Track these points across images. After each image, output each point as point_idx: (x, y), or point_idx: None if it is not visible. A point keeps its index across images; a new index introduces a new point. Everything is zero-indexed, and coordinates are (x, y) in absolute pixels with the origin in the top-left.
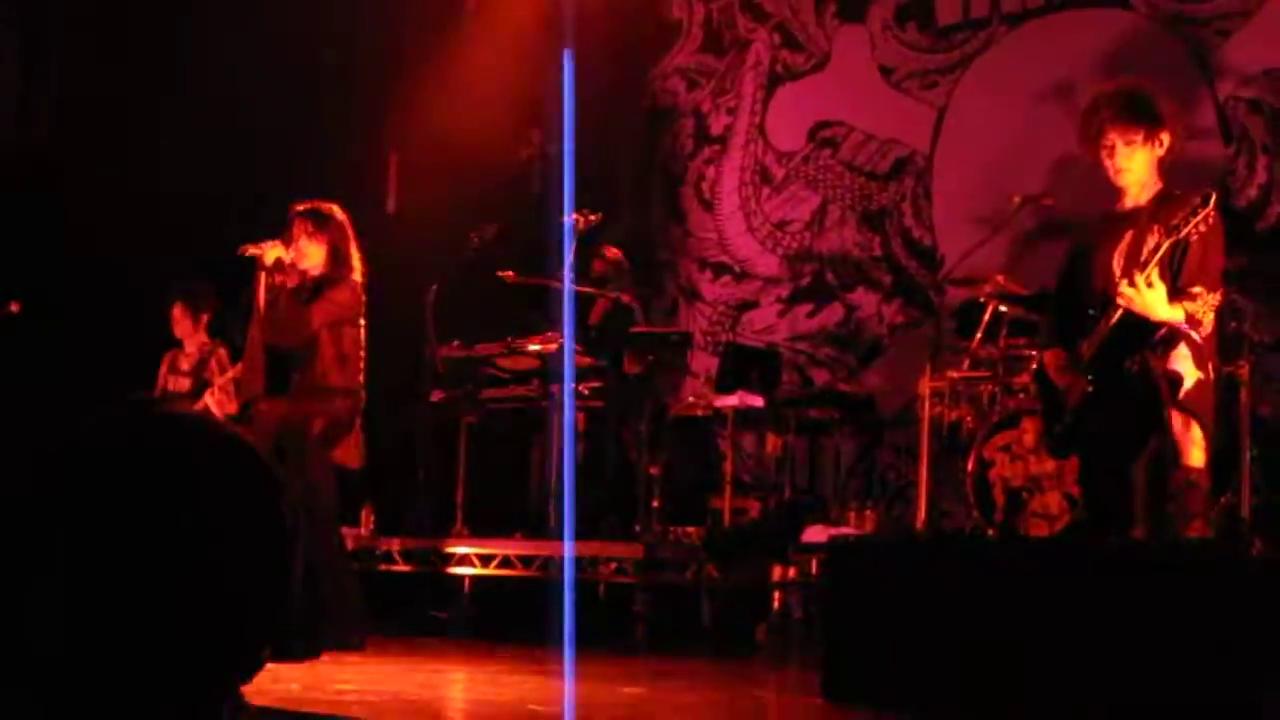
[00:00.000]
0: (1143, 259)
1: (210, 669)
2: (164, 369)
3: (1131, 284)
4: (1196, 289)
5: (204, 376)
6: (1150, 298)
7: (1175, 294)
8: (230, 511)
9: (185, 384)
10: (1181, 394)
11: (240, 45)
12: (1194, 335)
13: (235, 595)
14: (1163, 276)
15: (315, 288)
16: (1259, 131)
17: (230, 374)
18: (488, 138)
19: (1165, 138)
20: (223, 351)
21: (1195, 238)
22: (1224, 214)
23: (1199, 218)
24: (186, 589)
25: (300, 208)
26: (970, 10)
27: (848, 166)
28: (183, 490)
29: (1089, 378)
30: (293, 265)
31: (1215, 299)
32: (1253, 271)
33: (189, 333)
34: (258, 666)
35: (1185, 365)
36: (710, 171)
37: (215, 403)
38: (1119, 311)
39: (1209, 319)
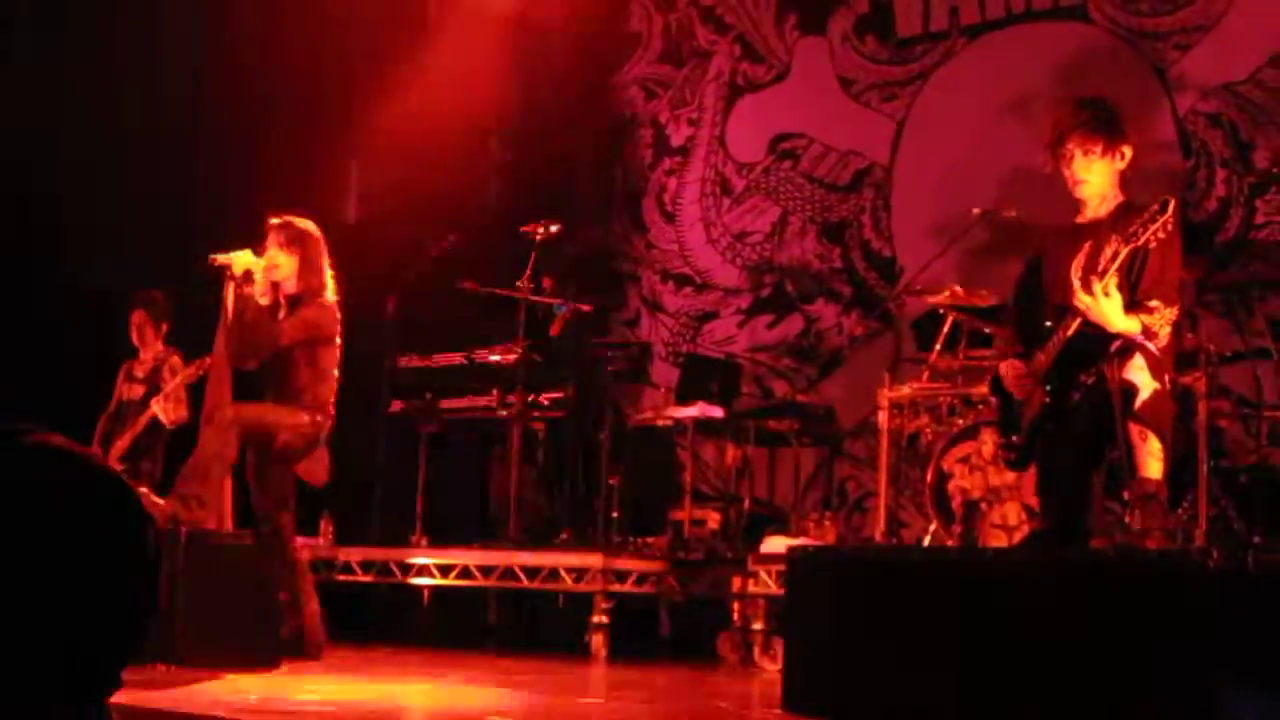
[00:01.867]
0: (1100, 268)
1: (61, 689)
2: (121, 378)
3: (1089, 292)
4: (1154, 302)
5: (156, 384)
6: (1106, 307)
7: (1132, 306)
8: (84, 539)
9: (139, 391)
10: (1137, 405)
11: (200, 53)
12: (1150, 347)
13: (89, 619)
14: (1121, 287)
15: (290, 305)
16: (1218, 145)
17: (179, 379)
18: (447, 147)
19: (1126, 151)
20: (176, 359)
21: (1154, 246)
22: (1183, 227)
23: (1157, 224)
24: (36, 611)
25: (275, 220)
26: (930, 23)
27: (808, 178)
28: (33, 518)
29: (1046, 389)
30: (266, 275)
31: (1172, 314)
32: (1211, 284)
33: (148, 341)
34: (115, 686)
35: (1141, 376)
36: (671, 183)
37: (163, 410)
38: (1076, 322)
39: (1165, 332)
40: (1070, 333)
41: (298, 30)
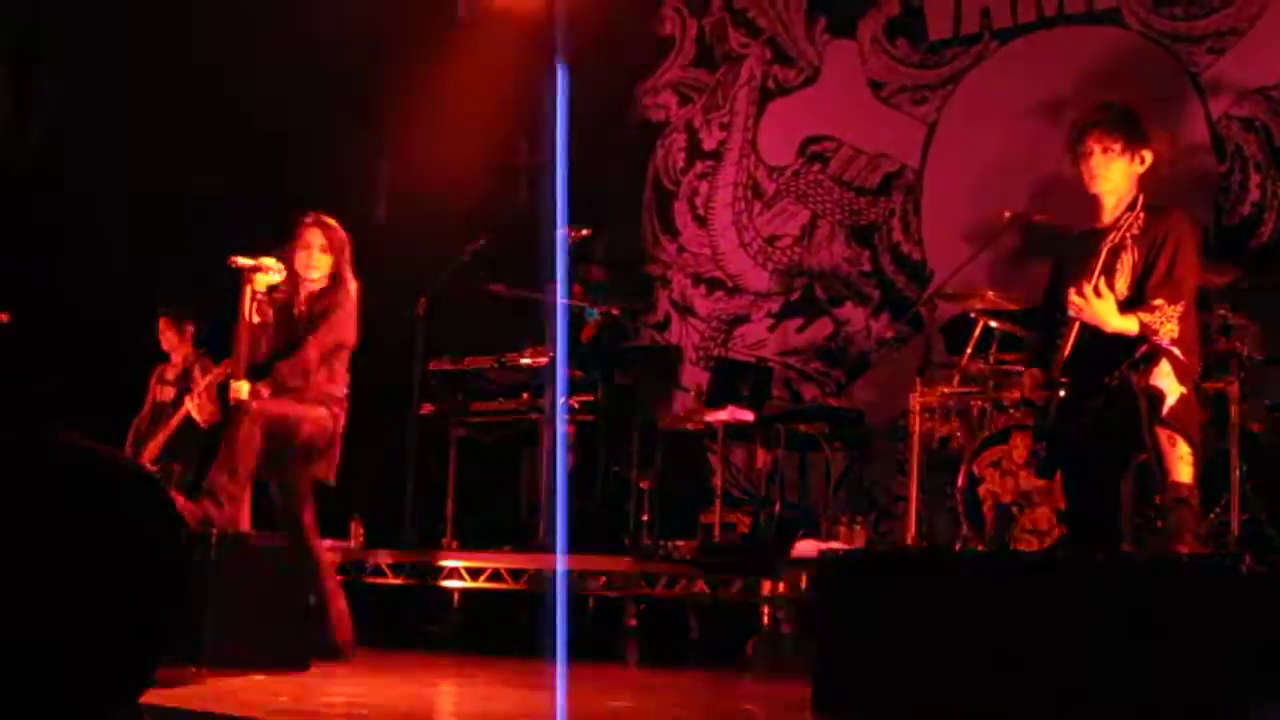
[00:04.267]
0: (1091, 269)
1: (91, 686)
2: (153, 381)
3: (1080, 293)
4: (1158, 301)
5: (187, 385)
6: (1099, 307)
7: (1138, 304)
8: (113, 537)
9: (170, 393)
10: (1165, 411)
11: (231, 54)
12: (1176, 352)
13: (118, 616)
14: (1130, 286)
15: (314, 299)
16: (1252, 149)
17: (210, 379)
18: (477, 149)
19: (1146, 155)
20: (206, 359)
21: (1159, 246)
22: (1217, 231)
23: (1129, 219)
24: (66, 609)
25: (310, 219)
26: (961, 26)
27: (837, 181)
28: (63, 516)
29: (1060, 393)
30: (290, 279)
31: (1176, 310)
32: (1245, 288)
33: (175, 345)
34: (147, 682)
35: (1167, 382)
36: (704, 187)
37: (196, 408)
38: (1076, 325)
39: (1167, 329)
40: (1073, 337)
41: (328, 30)
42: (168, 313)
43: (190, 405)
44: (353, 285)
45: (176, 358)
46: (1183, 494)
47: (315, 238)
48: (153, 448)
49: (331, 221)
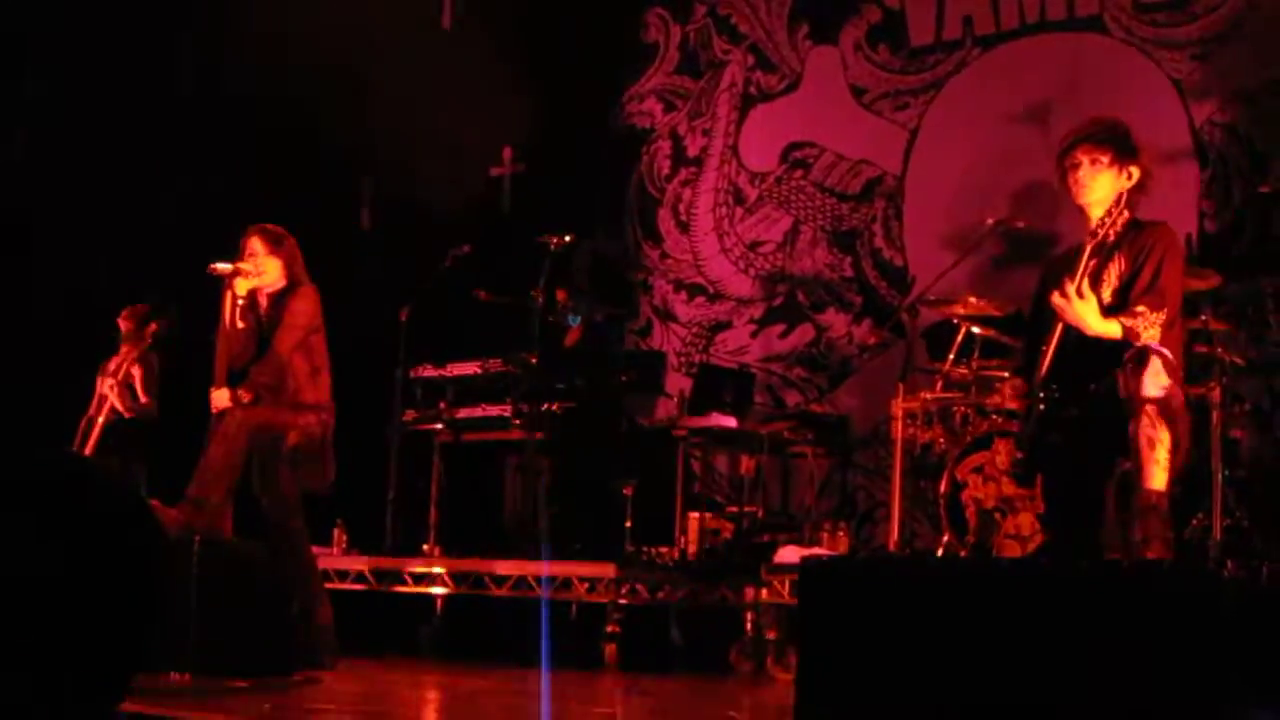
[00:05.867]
0: (1077, 273)
1: (68, 697)
2: (99, 376)
3: (1063, 294)
4: (1140, 307)
5: (125, 381)
6: (1080, 308)
7: (1121, 309)
8: (88, 548)
9: (109, 385)
10: (1149, 415)
11: (214, 59)
12: (1166, 353)
13: (93, 627)
14: (1114, 294)
15: (275, 300)
16: (1234, 155)
17: (126, 364)
18: (460, 157)
19: (1134, 170)
20: (151, 356)
21: (1118, 246)
22: (1200, 237)
23: (1110, 221)
24: (41, 619)
25: (251, 229)
26: (944, 32)
27: (819, 187)
28: (37, 527)
29: (1040, 398)
30: (259, 284)
31: (1158, 317)
32: (1226, 295)
33: (129, 333)
34: (123, 695)
35: (1153, 387)
36: (686, 193)
37: (116, 395)
38: (1059, 328)
39: (1149, 334)
40: (1055, 341)
41: (310, 36)
42: (150, 302)
43: (110, 393)
44: (307, 278)
45: (125, 347)
46: (1152, 501)
47: (258, 245)
48: (90, 444)
49: (270, 227)
